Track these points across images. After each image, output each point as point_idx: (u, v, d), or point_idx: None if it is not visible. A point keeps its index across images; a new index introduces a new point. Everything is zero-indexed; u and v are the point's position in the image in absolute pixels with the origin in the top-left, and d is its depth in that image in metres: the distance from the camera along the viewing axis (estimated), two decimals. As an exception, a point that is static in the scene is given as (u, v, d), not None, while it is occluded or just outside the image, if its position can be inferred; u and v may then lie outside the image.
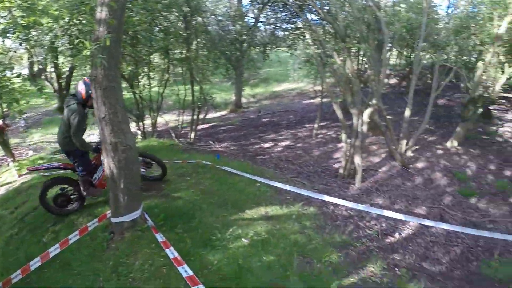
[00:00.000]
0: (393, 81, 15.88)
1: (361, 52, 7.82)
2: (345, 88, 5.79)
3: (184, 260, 3.16)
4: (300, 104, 15.36)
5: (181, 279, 3.00)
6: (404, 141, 7.17)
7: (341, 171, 6.59)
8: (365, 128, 5.95)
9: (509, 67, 8.13)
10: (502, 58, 8.11)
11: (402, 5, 7.84)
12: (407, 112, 7.11)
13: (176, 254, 3.24)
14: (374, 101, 5.96)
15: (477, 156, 8.45)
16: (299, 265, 3.67)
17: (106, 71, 3.11)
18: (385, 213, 5.23)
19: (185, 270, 3.00)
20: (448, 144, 8.63)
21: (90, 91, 3.86)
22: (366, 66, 7.19)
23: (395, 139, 7.32)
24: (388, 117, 7.80)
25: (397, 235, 5.32)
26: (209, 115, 13.64)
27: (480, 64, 8.26)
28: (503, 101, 13.63)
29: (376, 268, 3.96)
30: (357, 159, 6.11)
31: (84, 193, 4.38)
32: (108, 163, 3.51)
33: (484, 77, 7.96)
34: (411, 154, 7.50)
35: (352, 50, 8.33)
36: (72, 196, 4.48)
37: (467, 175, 7.45)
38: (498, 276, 4.45)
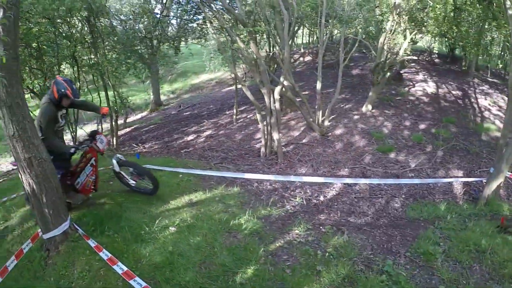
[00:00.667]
0: (308, 58, 16.75)
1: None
2: (253, 70, 6.05)
3: (118, 258, 3.37)
4: (220, 93, 15.59)
5: (119, 277, 3.20)
6: (320, 112, 7.69)
7: (263, 150, 6.90)
8: (277, 105, 6.28)
9: (410, 33, 9.07)
10: (403, 25, 9.01)
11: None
12: (318, 85, 7.62)
13: (110, 255, 3.40)
14: (282, 79, 6.31)
15: (392, 115, 9.34)
16: (226, 240, 3.88)
17: (8, 89, 3.06)
18: (305, 179, 5.57)
19: (120, 267, 3.23)
20: (363, 109, 9.41)
21: (62, 90, 3.78)
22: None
23: (312, 112, 7.82)
24: (305, 92, 8.23)
25: (322, 198, 5.72)
26: (130, 119, 13.42)
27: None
28: (413, 64, 15.17)
29: (300, 230, 4.26)
30: (275, 136, 6.45)
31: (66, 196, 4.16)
32: (26, 180, 3.45)
33: (388, 45, 8.75)
34: (328, 123, 8.07)
35: (262, 33, 8.64)
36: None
37: (384, 133, 8.20)
38: (423, 216, 4.97)
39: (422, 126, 8.68)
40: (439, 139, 7.84)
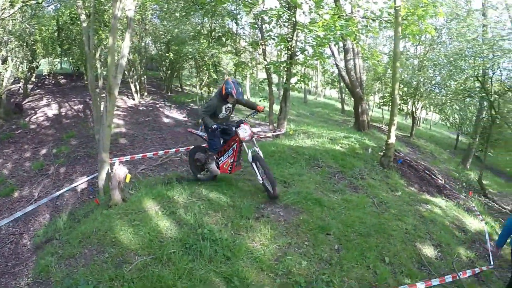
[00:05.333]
0: None
1: None
2: None
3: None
4: None
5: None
6: None
7: None
8: None
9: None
10: None
11: None
12: None
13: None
14: None
15: (12, 152, 9.05)
16: None
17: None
18: None
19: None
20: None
21: (229, 89, 4.58)
22: None
23: None
24: None
25: None
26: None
27: None
28: (38, 90, 14.85)
29: None
30: None
31: (207, 166, 5.12)
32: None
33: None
34: None
35: None
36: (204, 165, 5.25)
37: (4, 175, 7.85)
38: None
39: (43, 152, 9.11)
40: (60, 157, 8.60)
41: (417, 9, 7.52)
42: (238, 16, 10.25)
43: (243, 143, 4.73)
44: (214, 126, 4.56)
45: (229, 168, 4.98)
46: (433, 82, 13.20)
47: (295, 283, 3.42)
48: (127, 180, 4.81)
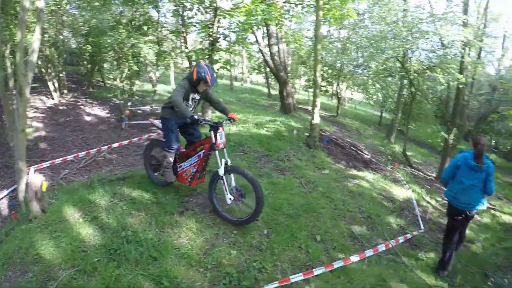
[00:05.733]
0: None
1: None
2: None
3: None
4: None
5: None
6: None
7: None
8: None
9: None
10: None
11: None
12: None
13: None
14: None
15: None
16: None
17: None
18: None
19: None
20: None
21: (203, 74, 3.79)
22: None
23: None
24: None
25: None
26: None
27: None
28: None
29: None
30: None
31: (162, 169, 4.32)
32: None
33: None
34: None
35: None
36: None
37: None
38: None
39: None
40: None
41: (340, -7, 7.75)
42: (160, 4, 9.72)
43: (216, 151, 3.88)
44: (195, 117, 3.70)
45: (189, 179, 4.17)
46: (355, 64, 13.83)
47: (226, 274, 3.37)
48: (44, 189, 4.31)
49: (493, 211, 7.76)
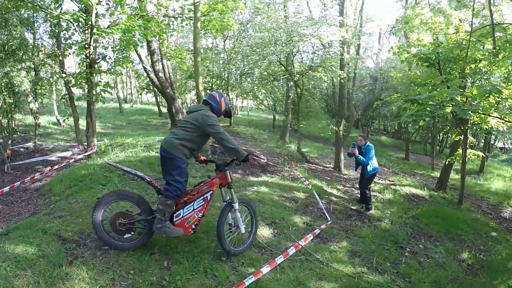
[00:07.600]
0: None
1: None
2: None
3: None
4: None
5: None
6: None
7: None
8: None
9: None
10: None
11: None
12: None
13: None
14: None
15: None
16: None
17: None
18: None
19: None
20: None
21: (229, 106, 3.82)
22: None
23: None
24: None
25: None
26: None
27: None
28: None
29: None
30: None
31: (157, 225, 3.47)
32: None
33: None
34: None
35: None
36: (136, 225, 3.63)
37: None
38: None
39: None
40: None
41: (217, 4, 7.79)
42: (36, 25, 8.40)
43: (221, 188, 3.92)
44: (247, 155, 3.68)
45: (193, 226, 3.71)
46: (239, 72, 14.13)
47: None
48: None
49: (393, 187, 8.57)
